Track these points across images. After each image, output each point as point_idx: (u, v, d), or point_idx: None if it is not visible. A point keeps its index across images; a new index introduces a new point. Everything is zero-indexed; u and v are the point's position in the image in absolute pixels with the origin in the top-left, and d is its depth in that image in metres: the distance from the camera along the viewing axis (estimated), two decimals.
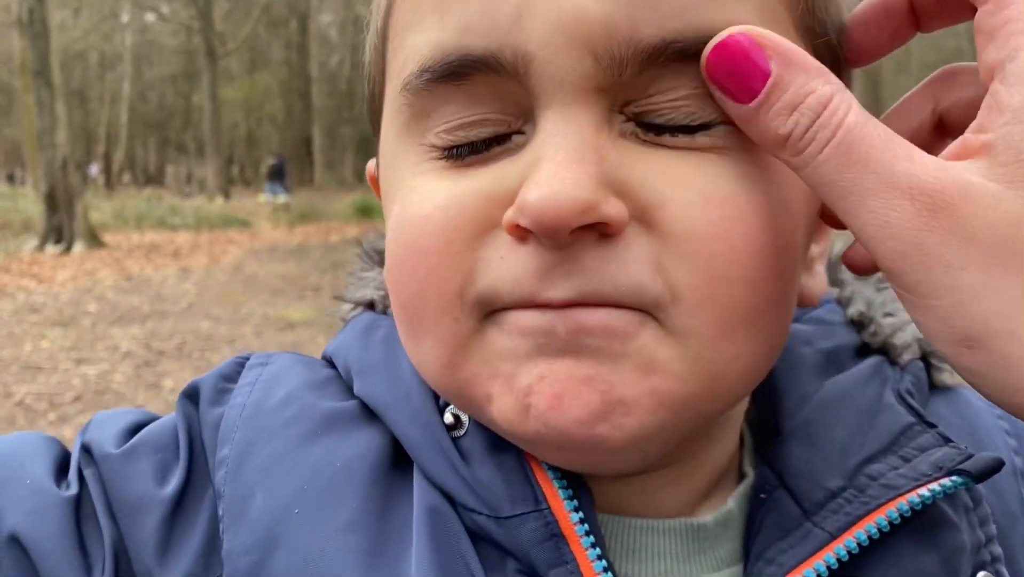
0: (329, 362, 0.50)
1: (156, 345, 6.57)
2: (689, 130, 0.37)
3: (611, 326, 0.36)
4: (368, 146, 0.55)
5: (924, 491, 0.40)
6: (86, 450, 0.47)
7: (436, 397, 0.44)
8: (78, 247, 12.35)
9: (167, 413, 0.51)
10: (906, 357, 0.48)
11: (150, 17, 37.84)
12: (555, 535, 0.39)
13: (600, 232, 0.35)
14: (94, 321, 7.59)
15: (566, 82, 0.36)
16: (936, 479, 0.41)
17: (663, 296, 0.36)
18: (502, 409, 0.38)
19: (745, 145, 0.37)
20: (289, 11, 39.85)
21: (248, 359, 0.50)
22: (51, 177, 12.32)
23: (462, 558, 0.40)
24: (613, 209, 0.35)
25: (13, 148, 43.11)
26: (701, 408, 0.39)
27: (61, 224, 12.48)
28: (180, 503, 0.45)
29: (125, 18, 40.27)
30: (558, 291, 0.36)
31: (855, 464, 0.43)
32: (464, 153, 0.39)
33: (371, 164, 0.52)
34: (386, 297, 0.50)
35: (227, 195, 24.52)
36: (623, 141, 0.37)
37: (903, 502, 0.40)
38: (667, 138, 0.37)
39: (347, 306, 0.53)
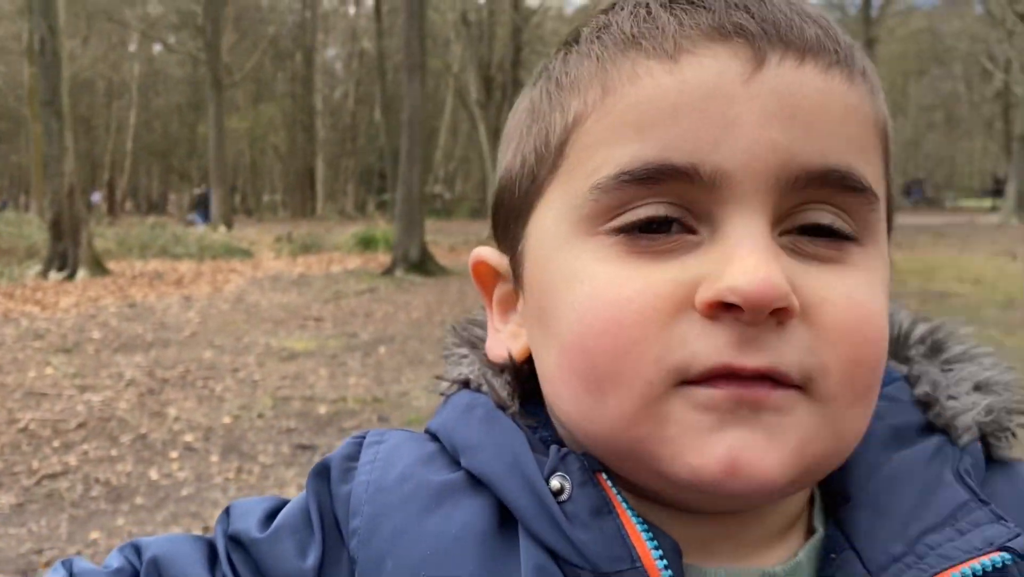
0: (433, 436, 0.56)
1: (160, 373, 6.63)
2: (832, 237, 0.47)
3: (780, 404, 0.44)
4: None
5: (975, 564, 0.46)
6: (234, 540, 0.54)
7: (541, 468, 0.50)
8: (82, 274, 12.45)
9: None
10: (966, 439, 0.53)
11: (157, 47, 38.32)
12: None
13: (778, 319, 0.44)
14: (98, 348, 7.65)
15: (754, 195, 0.45)
16: (987, 553, 0.46)
17: (816, 371, 0.45)
18: (688, 465, 0.45)
19: (870, 264, 0.48)
20: (295, 44, 40.41)
21: (365, 437, 0.56)
22: (57, 204, 12.45)
23: None
24: (795, 300, 0.43)
25: (19, 174, 43.41)
26: (828, 463, 0.47)
27: (65, 251, 12.60)
28: (321, 571, 0.52)
29: (132, 47, 40.83)
30: (753, 360, 0.43)
31: (916, 533, 0.48)
32: (644, 244, 0.46)
33: (484, 251, 0.58)
34: (481, 376, 0.56)
35: (229, 224, 24.68)
36: (785, 252, 0.46)
37: (956, 573, 0.46)
38: (810, 247, 0.47)
39: (445, 383, 0.59)
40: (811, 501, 0.54)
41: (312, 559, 0.52)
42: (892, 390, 0.55)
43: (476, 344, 0.60)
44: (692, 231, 0.46)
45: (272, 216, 41.65)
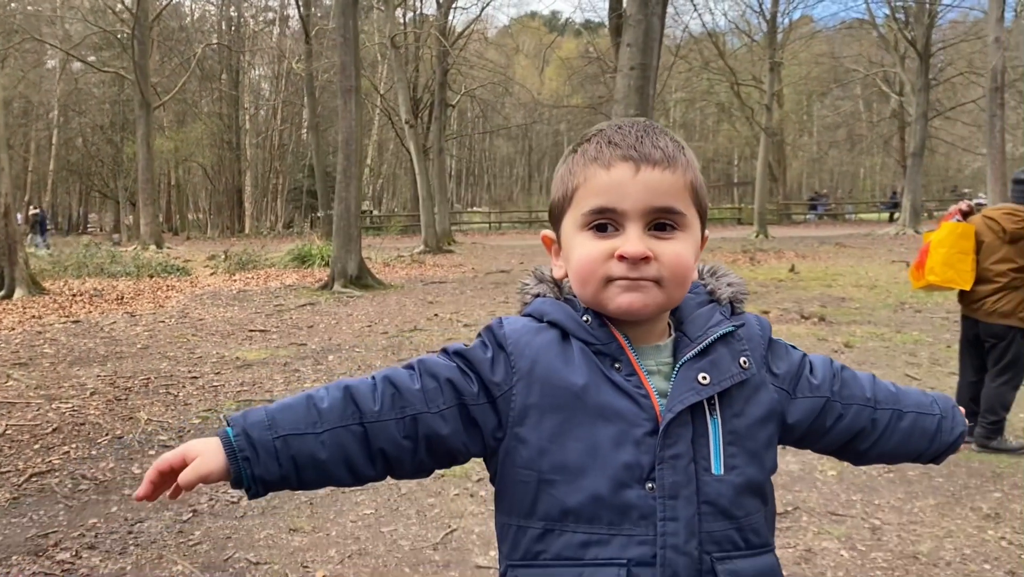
0: (527, 316, 1.23)
1: (121, 383, 6.99)
2: (667, 229, 1.14)
3: (647, 286, 1.12)
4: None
5: (722, 330, 1.18)
6: (455, 351, 1.21)
7: (579, 311, 1.19)
8: (19, 293, 12.52)
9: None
10: (724, 302, 1.25)
11: (77, 65, 37.57)
12: (619, 349, 1.15)
13: (644, 260, 1.11)
14: (53, 362, 7.94)
15: (636, 218, 1.13)
16: (726, 327, 1.19)
17: (662, 276, 1.12)
18: (614, 308, 1.14)
19: (690, 232, 1.16)
20: (221, 64, 40.20)
21: (500, 320, 1.22)
22: None
23: (592, 359, 1.14)
24: (650, 253, 1.11)
25: None
26: (667, 306, 1.16)
27: (1, 271, 12.64)
28: (494, 361, 1.17)
29: (51, 64, 39.91)
30: (634, 273, 1.11)
31: (703, 327, 1.18)
32: (600, 232, 1.14)
33: (546, 232, 1.28)
34: (547, 288, 1.26)
35: (160, 244, 24.58)
36: (647, 234, 1.13)
37: (717, 333, 1.17)
38: (658, 233, 1.14)
39: (529, 295, 1.26)
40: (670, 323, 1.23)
41: (490, 353, 1.18)
42: (698, 288, 1.26)
43: (542, 279, 1.27)
44: (616, 230, 1.14)
45: (200, 235, 41.19)
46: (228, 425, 1.11)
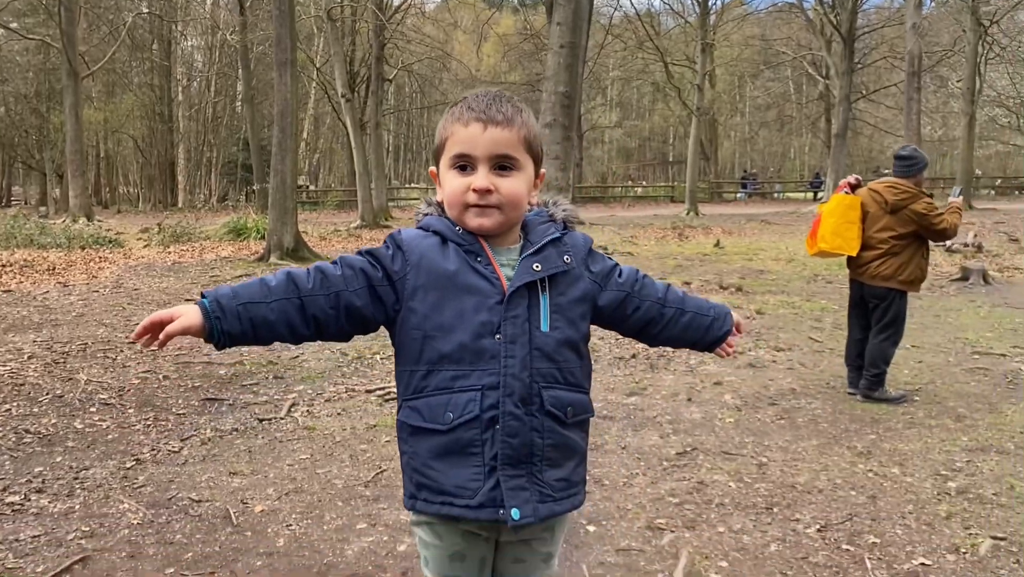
0: (421, 228, 1.66)
1: (58, 348, 7.11)
2: (507, 169, 1.62)
3: (491, 211, 1.61)
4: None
5: (551, 236, 1.67)
6: (367, 251, 1.63)
7: (453, 224, 1.64)
8: None
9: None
10: (559, 221, 1.71)
11: (0, 32, 36.20)
12: (480, 248, 1.62)
13: (488, 191, 1.59)
14: None
15: (484, 161, 1.61)
16: (554, 235, 1.68)
17: (498, 201, 1.61)
18: (471, 227, 1.62)
19: (524, 172, 1.61)
20: (152, 34, 39.19)
21: (399, 231, 1.64)
22: None
23: (462, 255, 1.61)
24: (492, 187, 1.60)
25: None
26: (510, 224, 1.65)
27: None
28: (394, 257, 1.62)
29: None
30: (484, 200, 1.60)
31: (542, 237, 1.67)
32: (461, 171, 1.62)
33: (432, 169, 1.71)
34: (434, 209, 1.70)
35: (90, 216, 24.10)
36: (491, 173, 1.59)
37: (551, 237, 1.67)
38: (500, 172, 1.60)
39: (421, 215, 1.69)
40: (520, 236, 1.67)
41: (391, 252, 1.60)
42: (542, 212, 1.69)
43: (430, 204, 1.68)
44: (471, 170, 1.58)
45: (131, 208, 40.28)
46: (203, 297, 1.54)
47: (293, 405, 5.42)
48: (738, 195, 41.28)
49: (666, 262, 13.71)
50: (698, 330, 1.86)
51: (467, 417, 1.58)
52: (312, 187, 43.45)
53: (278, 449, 4.55)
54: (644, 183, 49.88)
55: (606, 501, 3.75)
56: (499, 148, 1.59)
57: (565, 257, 1.67)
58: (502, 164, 1.60)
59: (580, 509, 1.82)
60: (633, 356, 6.71)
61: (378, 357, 6.79)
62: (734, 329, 1.90)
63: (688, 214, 28.02)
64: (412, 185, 51.37)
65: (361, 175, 23.83)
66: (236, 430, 4.90)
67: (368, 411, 5.29)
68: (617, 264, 1.81)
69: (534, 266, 1.62)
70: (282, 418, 5.14)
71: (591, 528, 3.48)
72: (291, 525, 3.51)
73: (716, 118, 42.37)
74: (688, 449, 4.51)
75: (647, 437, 4.71)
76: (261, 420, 5.09)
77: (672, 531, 3.46)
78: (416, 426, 1.64)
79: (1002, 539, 3.35)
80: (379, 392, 5.70)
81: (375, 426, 4.93)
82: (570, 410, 1.66)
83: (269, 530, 3.46)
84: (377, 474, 4.14)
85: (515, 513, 1.58)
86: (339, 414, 5.23)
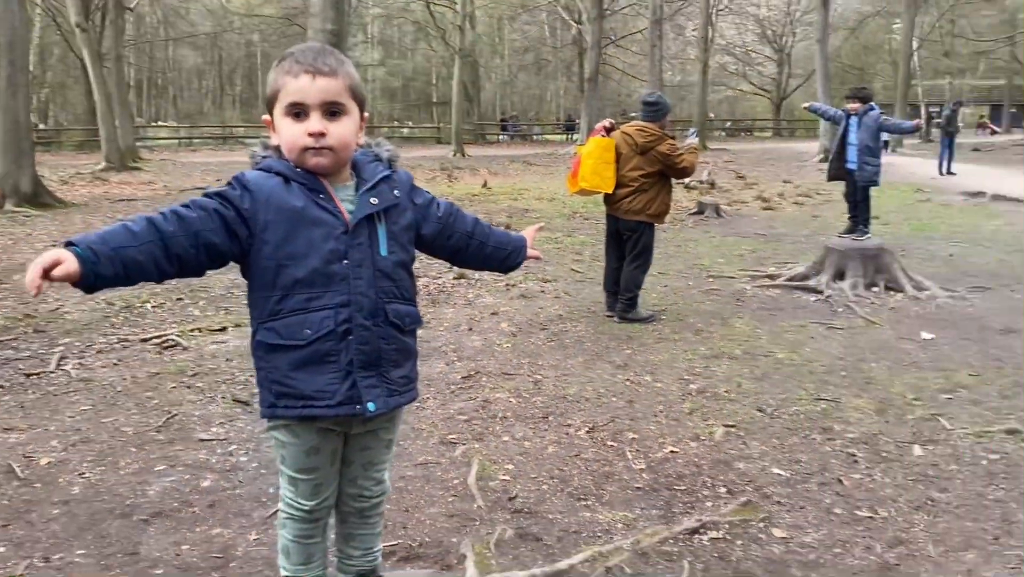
0: (263, 169, 1.81)
1: None
2: (337, 114, 1.82)
3: (326, 152, 1.80)
4: None
5: (382, 175, 1.92)
6: (216, 193, 1.76)
7: (293, 166, 1.80)
8: None
9: None
10: (386, 161, 1.94)
11: None
12: (322, 186, 1.83)
13: (322, 135, 1.79)
14: None
15: (316, 108, 1.79)
16: (385, 173, 1.93)
17: (331, 143, 1.81)
18: (309, 166, 1.81)
19: (351, 116, 1.84)
20: None
21: (243, 174, 1.79)
22: None
23: (307, 192, 1.81)
24: (325, 130, 1.80)
25: None
26: (342, 163, 1.86)
27: None
28: (242, 196, 1.77)
29: None
30: (318, 143, 1.80)
31: (375, 175, 1.90)
32: (296, 117, 1.80)
33: (266, 116, 1.88)
34: (272, 152, 1.86)
35: None
36: (323, 118, 1.77)
37: (383, 175, 1.92)
38: (330, 117, 1.80)
39: (259, 157, 1.85)
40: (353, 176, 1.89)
41: (238, 192, 1.75)
42: (368, 153, 1.92)
43: (267, 147, 1.84)
44: (305, 116, 1.75)
45: None
46: (75, 245, 1.61)
47: (63, 358, 5.14)
48: (500, 137, 42.51)
49: None
50: (498, 258, 2.23)
51: (323, 332, 1.83)
52: (42, 126, 38.98)
53: (54, 402, 4.36)
54: (411, 124, 49.85)
55: (402, 424, 4.02)
56: (328, 95, 1.78)
57: (395, 192, 1.93)
58: (332, 110, 1.79)
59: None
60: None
61: (148, 306, 6.54)
62: (529, 255, 2.29)
63: (455, 155, 28.52)
64: (160, 123, 47.61)
65: (104, 113, 21.78)
66: (0, 387, 4.61)
67: (147, 360, 5.15)
68: (434, 198, 2.10)
69: (372, 200, 1.87)
70: (52, 372, 4.88)
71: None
72: (84, 474, 3.45)
73: (477, 60, 43.05)
74: (472, 373, 4.89)
75: (434, 366, 5.03)
76: (28, 375, 4.80)
77: (463, 444, 3.82)
78: (273, 344, 1.85)
79: (732, 426, 4.03)
80: (155, 341, 5.54)
81: (158, 374, 4.84)
82: (408, 319, 1.97)
83: (61, 480, 3.39)
84: (168, 418, 4.12)
85: (371, 406, 1.89)
86: (115, 364, 5.06)
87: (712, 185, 16.74)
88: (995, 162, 24.32)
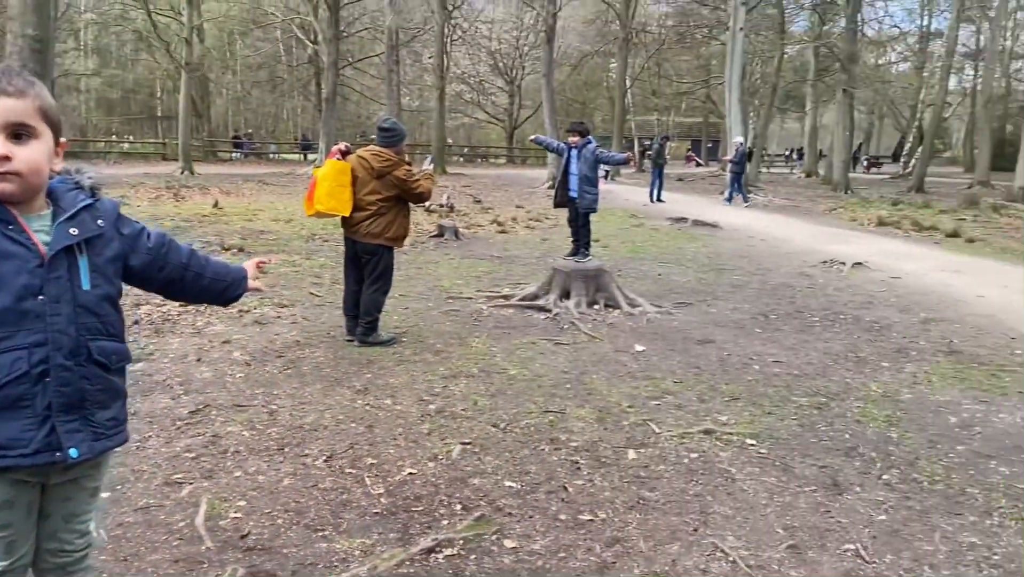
0: None
1: None
2: (24, 138, 1.65)
3: (12, 177, 1.62)
4: None
5: (83, 204, 1.78)
6: None
7: None
8: None
9: None
10: (86, 188, 1.81)
11: None
12: (11, 216, 1.67)
13: (7, 159, 1.62)
14: None
15: (0, 131, 1.63)
16: (87, 202, 1.78)
17: (18, 168, 1.62)
18: None
19: (42, 140, 1.69)
20: None
21: None
22: None
23: None
24: (11, 154, 1.62)
25: None
26: (33, 190, 1.70)
27: None
28: None
29: None
30: (3, 169, 1.63)
31: (75, 204, 1.76)
32: (10, 140, 1.65)
33: None
34: None
35: None
36: (8, 141, 1.61)
37: (84, 203, 1.77)
38: (18, 140, 1.64)
39: None
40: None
41: None
42: (67, 180, 1.77)
43: None
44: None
45: None
46: None
47: None
48: (234, 155, 40.65)
49: (163, 223, 13.12)
50: (215, 291, 2.15)
51: (15, 375, 1.68)
52: None
53: None
54: (131, 138, 46.18)
55: (120, 467, 3.71)
56: (13, 117, 1.65)
57: (99, 221, 1.82)
58: (18, 132, 1.66)
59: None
60: (136, 322, 6.48)
61: None
62: (250, 287, 2.23)
63: (183, 173, 26.83)
64: None
65: None
66: None
67: None
68: (145, 227, 1.99)
69: (71, 231, 1.74)
70: None
71: (105, 494, 3.44)
72: None
73: (207, 74, 40.92)
74: (201, 407, 4.63)
75: (158, 401, 4.70)
76: None
77: (190, 483, 3.60)
78: None
79: (468, 443, 4.18)
80: None
81: None
82: (115, 357, 1.85)
83: None
84: None
85: (73, 452, 1.75)
86: None
87: (451, 209, 17.21)
88: (695, 191, 27.36)
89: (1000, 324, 7.53)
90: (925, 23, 49.24)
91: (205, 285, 2.11)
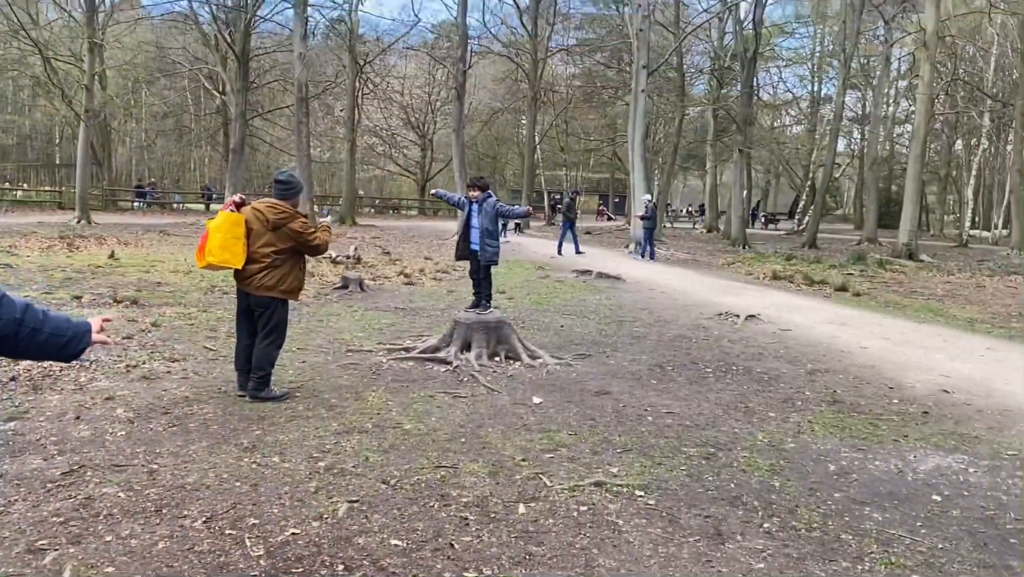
0: None
1: None
2: None
3: None
4: None
5: None
6: None
7: None
8: None
9: None
10: None
11: None
12: None
13: None
14: None
15: None
16: None
17: None
18: None
19: None
20: None
21: None
22: None
23: None
24: None
25: None
26: None
27: None
28: None
29: None
30: None
31: None
32: None
33: None
34: None
35: None
36: None
37: None
38: None
39: None
40: None
41: None
42: None
43: None
44: None
45: None
46: None
47: None
48: (136, 204, 39.43)
49: (53, 275, 12.58)
50: (55, 347, 2.06)
51: None
52: None
53: None
54: (25, 186, 44.32)
55: None
56: None
57: None
58: None
59: None
60: (13, 378, 6.16)
61: None
62: (95, 340, 2.13)
63: (79, 222, 25.84)
64: None
65: None
66: None
67: None
68: None
69: None
70: None
71: None
72: None
73: (109, 122, 39.78)
74: (75, 468, 4.41)
75: (28, 462, 4.46)
76: None
77: (55, 549, 3.42)
78: None
79: (356, 501, 4.10)
80: None
81: None
82: None
83: None
84: None
85: None
86: None
87: (358, 260, 17.08)
88: (602, 244, 27.94)
89: (880, 374, 7.90)
90: (816, 89, 52.39)
91: (42, 341, 2.02)
